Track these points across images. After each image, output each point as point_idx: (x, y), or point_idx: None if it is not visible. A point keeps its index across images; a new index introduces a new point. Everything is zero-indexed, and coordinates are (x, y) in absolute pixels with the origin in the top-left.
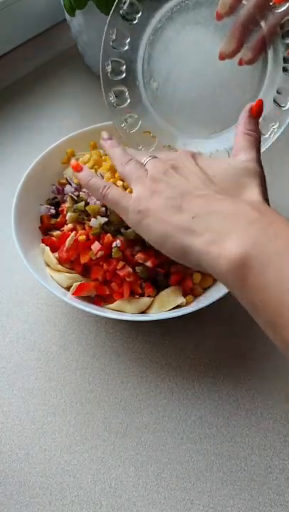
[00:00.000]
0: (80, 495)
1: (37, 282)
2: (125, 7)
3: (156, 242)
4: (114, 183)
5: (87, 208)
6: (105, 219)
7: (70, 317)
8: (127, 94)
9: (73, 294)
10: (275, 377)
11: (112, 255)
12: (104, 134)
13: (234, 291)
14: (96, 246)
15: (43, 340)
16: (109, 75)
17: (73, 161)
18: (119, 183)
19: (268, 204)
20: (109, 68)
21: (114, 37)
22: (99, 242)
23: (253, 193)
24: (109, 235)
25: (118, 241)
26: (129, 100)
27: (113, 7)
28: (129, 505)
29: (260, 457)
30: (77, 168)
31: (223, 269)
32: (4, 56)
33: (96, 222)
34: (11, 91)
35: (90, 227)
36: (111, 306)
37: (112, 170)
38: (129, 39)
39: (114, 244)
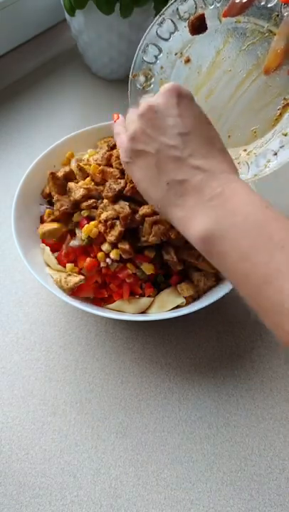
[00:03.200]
0: (80, 495)
1: (37, 282)
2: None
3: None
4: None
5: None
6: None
7: (70, 317)
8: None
9: (73, 294)
10: (275, 377)
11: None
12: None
13: (206, 257)
14: (89, 262)
15: (43, 340)
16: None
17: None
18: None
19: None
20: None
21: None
22: (90, 255)
23: (221, 155)
24: (102, 252)
25: (108, 259)
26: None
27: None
28: (129, 505)
29: (260, 457)
30: (114, 119)
31: (192, 240)
32: (4, 56)
33: (76, 241)
34: (11, 91)
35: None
36: (111, 306)
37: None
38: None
39: (107, 261)
